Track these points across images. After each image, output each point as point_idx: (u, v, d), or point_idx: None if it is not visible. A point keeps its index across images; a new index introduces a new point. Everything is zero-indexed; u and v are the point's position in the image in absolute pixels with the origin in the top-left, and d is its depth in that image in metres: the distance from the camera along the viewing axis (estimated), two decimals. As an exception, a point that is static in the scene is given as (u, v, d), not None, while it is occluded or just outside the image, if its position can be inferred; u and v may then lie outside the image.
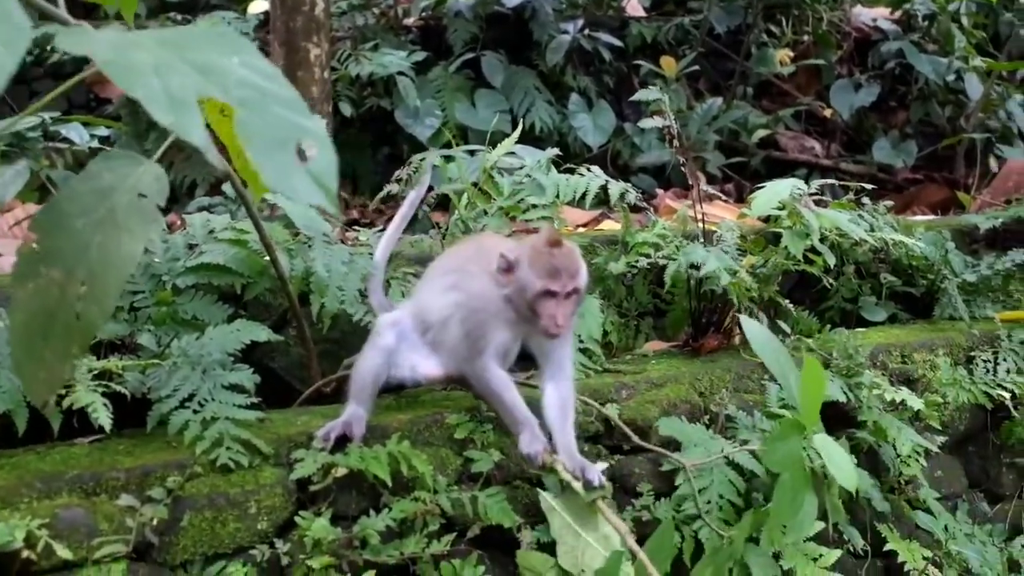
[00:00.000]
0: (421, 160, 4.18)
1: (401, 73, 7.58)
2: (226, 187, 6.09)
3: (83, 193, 2.26)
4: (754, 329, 2.87)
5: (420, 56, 7.89)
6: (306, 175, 1.63)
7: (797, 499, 2.87)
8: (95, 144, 5.81)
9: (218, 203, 5.46)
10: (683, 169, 4.25)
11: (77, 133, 5.75)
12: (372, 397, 3.11)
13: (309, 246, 3.73)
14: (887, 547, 3.90)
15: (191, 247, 3.54)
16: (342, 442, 2.97)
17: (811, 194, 4.17)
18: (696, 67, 8.52)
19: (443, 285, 3.20)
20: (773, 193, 4.05)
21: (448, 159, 4.40)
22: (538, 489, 3.08)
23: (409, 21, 8.82)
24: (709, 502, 3.35)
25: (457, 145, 4.86)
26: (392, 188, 4.26)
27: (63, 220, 2.14)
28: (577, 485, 3.01)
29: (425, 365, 3.20)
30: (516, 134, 4.47)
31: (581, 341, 3.74)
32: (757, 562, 3.28)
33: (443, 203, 4.90)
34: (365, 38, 8.28)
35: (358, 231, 4.19)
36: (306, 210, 3.78)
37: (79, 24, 2.20)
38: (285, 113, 1.70)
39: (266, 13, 7.38)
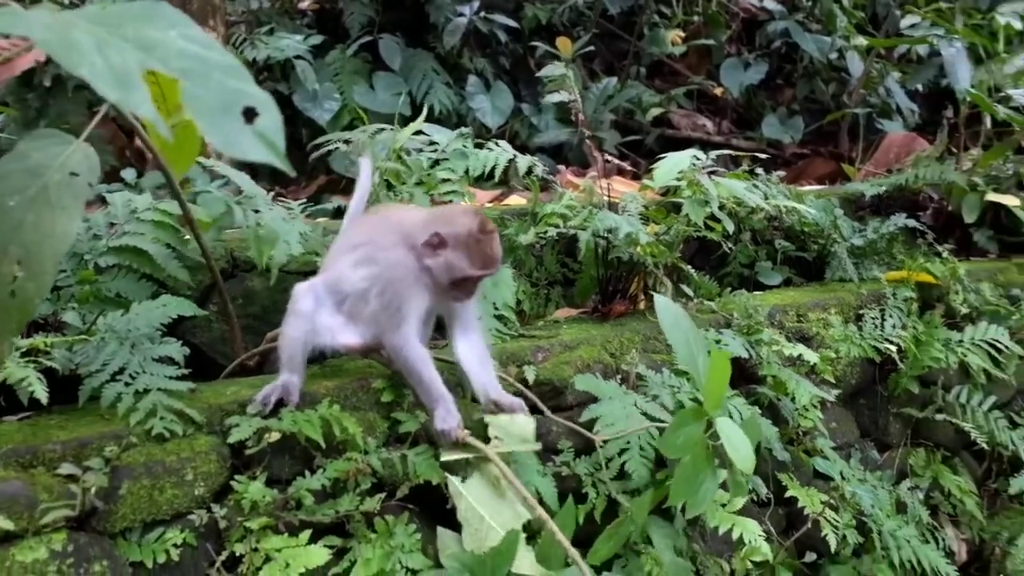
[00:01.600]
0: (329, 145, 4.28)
1: (299, 57, 7.60)
2: (124, 173, 6.09)
3: (13, 172, 2.29)
4: (665, 308, 3.02)
5: (317, 40, 7.92)
6: (253, 135, 1.71)
7: (697, 479, 3.04)
8: (-18, 129, 5.70)
9: (117, 189, 5.43)
10: (584, 145, 4.41)
11: (-38, 118, 5.64)
12: (303, 364, 3.19)
13: (254, 203, 3.81)
14: (788, 494, 4.13)
15: (112, 226, 3.56)
16: (279, 406, 3.06)
17: (706, 167, 4.37)
18: (591, 48, 8.72)
19: (355, 259, 3.27)
20: (673, 164, 4.25)
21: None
22: (446, 474, 3.16)
23: (304, 5, 8.83)
24: (625, 463, 3.50)
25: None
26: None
27: (-7, 200, 2.18)
28: (506, 417, 3.21)
29: (344, 334, 3.27)
30: (423, 116, 4.58)
31: (496, 308, 3.88)
32: (660, 532, 3.45)
33: (347, 188, 4.98)
34: (260, 22, 8.27)
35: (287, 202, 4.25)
36: (243, 175, 3.86)
37: (8, 4, 2.23)
38: (227, 80, 1.78)
39: (161, -3, 7.30)
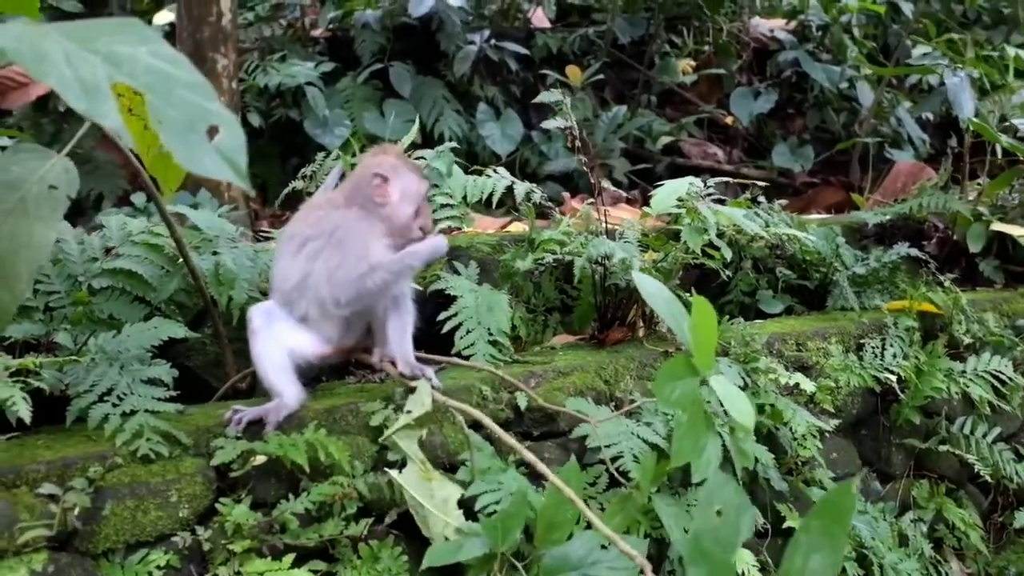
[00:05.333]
0: (325, 157, 4.31)
1: (309, 84, 7.66)
2: (134, 198, 6.13)
3: (-9, 185, 2.32)
4: (645, 281, 2.96)
5: (328, 67, 7.98)
6: (216, 154, 1.73)
7: (699, 440, 2.93)
8: (-1, 155, 5.74)
9: (129, 214, 5.47)
10: (587, 171, 4.42)
11: (-23, 142, 5.68)
12: (288, 380, 3.20)
13: (214, 246, 3.81)
14: (786, 524, 4.09)
15: (108, 250, 3.59)
16: (252, 426, 3.09)
17: (710, 195, 4.37)
18: (601, 76, 8.76)
19: (292, 250, 3.30)
20: (671, 191, 4.25)
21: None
22: (386, 469, 3.17)
23: (317, 32, 8.89)
24: (619, 468, 3.48)
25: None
26: (297, 184, 4.37)
27: (-31, 211, 2.20)
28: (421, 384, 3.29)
29: (309, 346, 3.33)
30: (414, 130, 4.60)
31: (491, 334, 3.88)
32: (668, 512, 3.41)
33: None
34: (272, 49, 8.34)
35: (272, 238, 4.28)
36: (210, 215, 3.89)
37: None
38: (192, 97, 1.81)
39: (172, 24, 7.39)
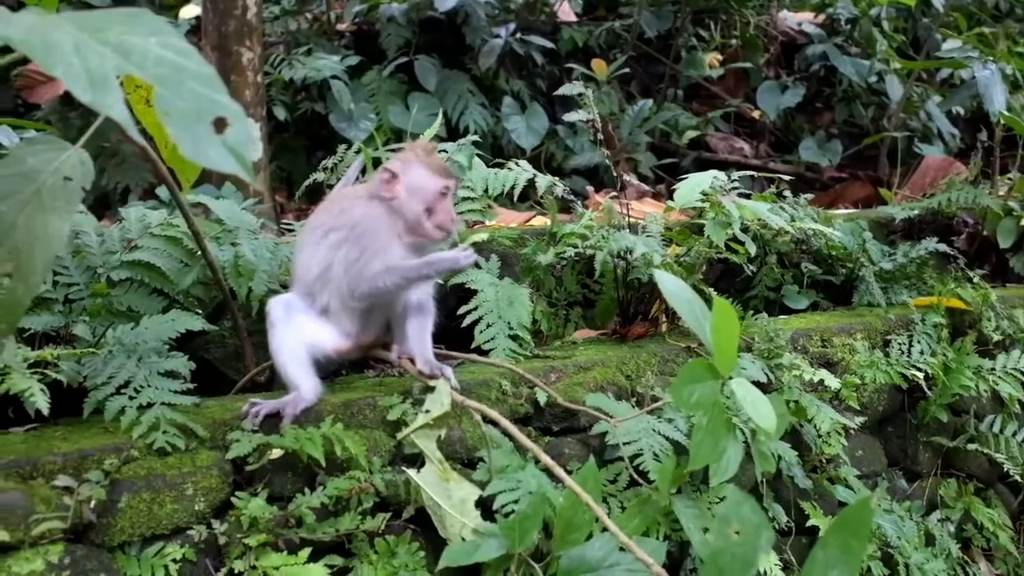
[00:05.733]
0: (347, 150, 4.29)
1: (335, 77, 7.65)
2: (160, 191, 6.15)
3: (6, 176, 2.32)
4: (666, 279, 2.89)
5: (354, 60, 7.98)
6: (222, 146, 1.71)
7: (719, 444, 2.87)
8: (26, 147, 5.76)
9: (153, 207, 5.48)
10: (609, 163, 4.37)
11: (6, 135, 5.70)
12: (305, 375, 3.18)
13: (234, 236, 3.80)
14: (810, 523, 4.04)
15: (127, 241, 3.58)
16: (270, 419, 3.07)
17: (734, 189, 4.32)
18: (627, 70, 8.71)
19: (313, 241, 3.30)
20: (694, 184, 4.21)
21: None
22: (403, 468, 3.15)
23: (342, 26, 8.89)
24: (639, 467, 3.43)
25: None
26: (318, 176, 4.35)
27: (-15, 202, 2.20)
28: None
29: (330, 339, 3.30)
30: (437, 122, 4.57)
31: (511, 328, 3.84)
32: (688, 514, 3.37)
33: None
34: (298, 43, 8.35)
35: (293, 231, 4.27)
36: (232, 205, 3.87)
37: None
38: (201, 89, 1.79)
39: (198, 18, 7.40)
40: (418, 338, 3.39)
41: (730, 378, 2.77)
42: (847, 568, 2.11)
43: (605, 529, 2.90)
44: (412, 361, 3.39)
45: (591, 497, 2.90)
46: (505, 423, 3.19)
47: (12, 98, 7.90)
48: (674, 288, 2.84)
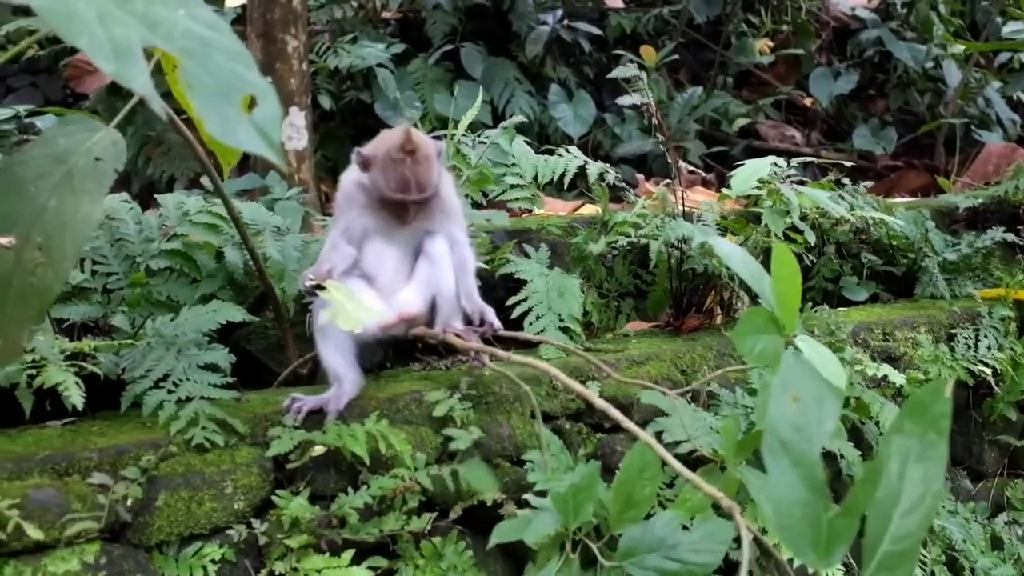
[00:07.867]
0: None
1: (380, 65, 7.54)
2: (205, 180, 6.08)
3: (37, 157, 2.23)
4: (721, 243, 2.71)
5: (399, 48, 7.87)
6: (250, 125, 1.61)
7: None
8: (71, 136, 5.73)
9: (198, 194, 5.43)
10: (664, 151, 4.22)
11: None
12: (347, 365, 3.08)
13: (259, 238, 3.69)
14: (871, 524, 3.87)
15: (165, 228, 3.49)
16: (313, 415, 2.96)
17: (789, 176, 4.15)
18: (676, 57, 8.55)
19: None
20: (752, 171, 4.03)
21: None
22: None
23: (388, 14, 8.79)
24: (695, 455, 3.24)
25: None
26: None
27: (16, 184, 2.12)
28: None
29: (376, 308, 3.08)
30: (476, 106, 4.43)
31: (562, 320, 3.71)
32: (757, 485, 3.15)
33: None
34: (344, 31, 8.25)
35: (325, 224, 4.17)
36: (257, 207, 3.88)
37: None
38: (229, 64, 1.68)
39: (244, 6, 7.33)
40: (460, 277, 3.20)
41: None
42: (931, 464, 1.81)
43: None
44: (458, 335, 3.17)
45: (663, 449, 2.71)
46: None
47: (60, 88, 7.90)
48: (728, 250, 2.70)
